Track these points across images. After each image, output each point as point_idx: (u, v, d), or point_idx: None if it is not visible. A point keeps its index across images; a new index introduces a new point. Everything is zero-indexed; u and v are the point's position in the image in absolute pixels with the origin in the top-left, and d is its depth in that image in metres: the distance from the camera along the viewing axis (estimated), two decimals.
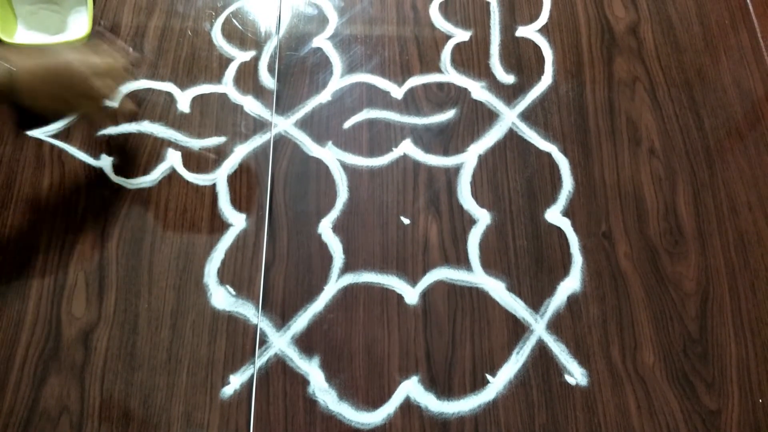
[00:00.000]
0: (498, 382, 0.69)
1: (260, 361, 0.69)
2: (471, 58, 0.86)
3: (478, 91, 0.84)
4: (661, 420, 0.67)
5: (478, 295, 0.73)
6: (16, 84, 0.62)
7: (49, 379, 0.68)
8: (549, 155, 0.80)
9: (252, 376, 0.69)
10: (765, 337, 0.71)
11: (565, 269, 0.74)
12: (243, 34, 0.87)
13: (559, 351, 0.70)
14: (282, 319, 0.71)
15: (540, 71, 0.85)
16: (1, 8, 0.81)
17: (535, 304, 0.72)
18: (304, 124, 0.81)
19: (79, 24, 0.84)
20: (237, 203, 0.77)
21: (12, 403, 0.67)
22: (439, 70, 0.85)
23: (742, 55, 0.86)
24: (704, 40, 0.87)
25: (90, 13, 0.82)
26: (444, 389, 0.68)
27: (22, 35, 0.83)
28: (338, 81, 0.84)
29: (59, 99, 0.66)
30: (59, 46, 0.77)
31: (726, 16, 0.89)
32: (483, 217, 0.76)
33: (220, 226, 0.76)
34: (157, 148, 0.79)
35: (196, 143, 0.80)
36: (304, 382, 0.69)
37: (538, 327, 0.71)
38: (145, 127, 0.81)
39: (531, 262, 0.74)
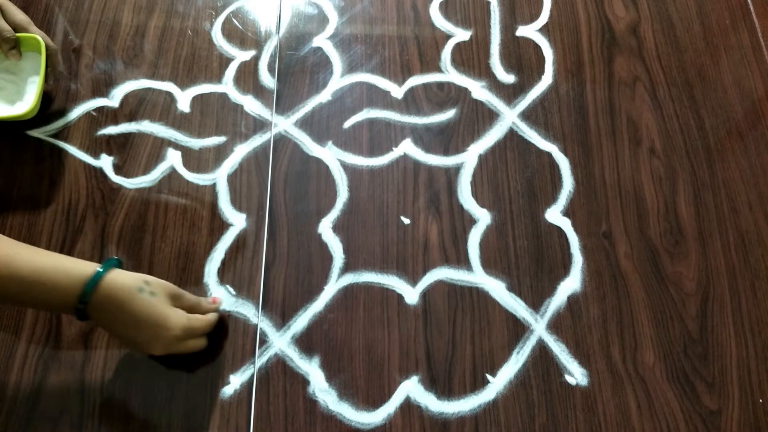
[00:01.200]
0: (498, 382, 0.69)
1: (260, 361, 0.69)
2: (471, 58, 0.86)
3: (478, 90, 0.84)
4: (661, 420, 0.67)
5: (478, 295, 0.73)
6: None
7: (49, 378, 0.68)
8: (549, 155, 0.80)
9: (252, 376, 0.69)
10: (765, 337, 0.71)
11: (565, 269, 0.74)
12: (243, 34, 0.87)
13: (560, 351, 0.70)
14: (282, 319, 0.71)
15: (540, 71, 0.85)
16: None
17: (536, 304, 0.72)
18: (304, 124, 0.81)
19: (33, 98, 0.77)
20: (237, 203, 0.77)
21: (12, 402, 0.67)
22: (439, 70, 0.85)
23: (742, 54, 0.86)
24: (705, 39, 0.87)
25: (39, 88, 0.75)
26: (444, 389, 0.68)
27: None
28: (338, 81, 0.84)
29: (132, 333, 0.62)
30: None
31: (726, 16, 0.89)
32: (483, 217, 0.76)
33: (220, 225, 0.75)
34: (157, 148, 0.79)
35: (196, 143, 0.80)
36: (304, 382, 0.69)
37: (539, 327, 0.71)
38: (145, 126, 0.81)
39: (531, 262, 0.74)
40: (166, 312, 0.62)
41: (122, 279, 0.61)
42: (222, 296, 0.72)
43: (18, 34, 0.75)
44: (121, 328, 0.61)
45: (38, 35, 0.76)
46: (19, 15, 0.76)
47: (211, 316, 0.68)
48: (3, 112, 0.77)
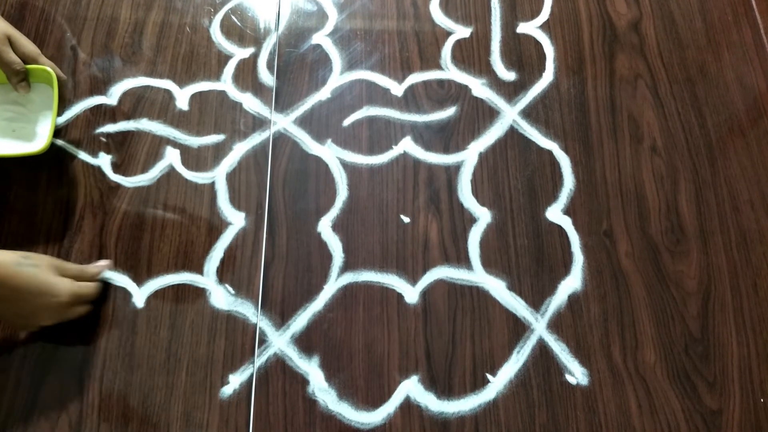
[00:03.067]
0: (498, 382, 0.69)
1: (260, 360, 0.69)
2: (472, 55, 0.85)
3: (478, 88, 0.83)
4: (662, 419, 0.67)
5: (478, 294, 0.72)
6: None
7: (48, 379, 0.68)
8: (550, 153, 0.79)
9: (251, 375, 0.68)
10: (767, 337, 0.70)
11: (566, 268, 0.74)
12: (242, 31, 0.86)
13: (560, 350, 0.70)
14: (281, 319, 0.71)
15: (541, 68, 0.85)
16: None
17: (536, 303, 0.72)
18: (303, 122, 0.81)
19: (45, 131, 0.76)
20: (236, 202, 0.76)
21: (11, 402, 0.67)
22: (439, 67, 0.85)
23: (744, 51, 0.86)
24: (706, 36, 0.87)
25: (53, 123, 0.73)
26: (444, 389, 0.68)
27: None
28: (338, 78, 0.84)
29: (20, 309, 0.63)
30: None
31: (728, 12, 0.88)
32: (483, 216, 0.76)
33: (219, 224, 0.75)
34: (155, 146, 0.79)
35: (194, 141, 0.79)
36: (303, 381, 0.68)
37: (539, 326, 0.71)
38: (144, 125, 0.80)
39: (532, 261, 0.74)
40: (50, 280, 0.64)
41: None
42: (221, 295, 0.72)
43: (27, 66, 0.74)
44: (5, 305, 0.62)
45: (48, 67, 0.74)
46: (29, 46, 0.74)
47: (97, 284, 0.70)
48: (16, 148, 0.75)
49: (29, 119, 0.77)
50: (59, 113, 0.78)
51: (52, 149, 0.78)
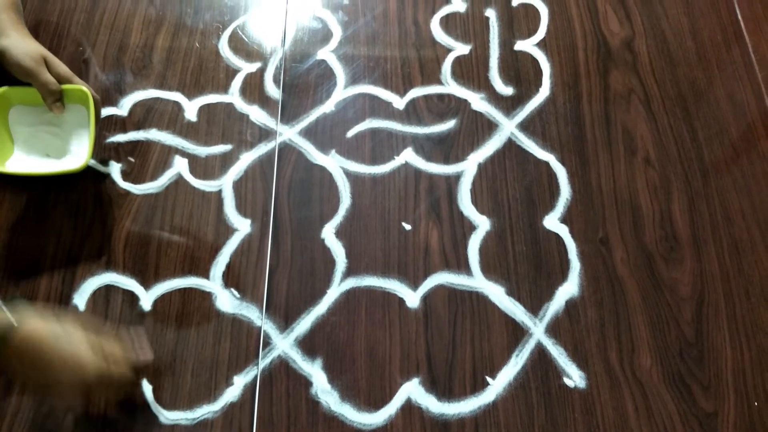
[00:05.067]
0: (498, 384, 0.70)
1: (264, 362, 0.70)
2: (471, 71, 0.88)
3: (477, 102, 0.86)
4: (658, 422, 0.68)
5: (478, 299, 0.74)
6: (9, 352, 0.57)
7: None
8: (547, 164, 0.82)
9: (255, 377, 0.70)
10: (760, 341, 0.72)
11: (563, 274, 0.75)
12: (249, 47, 0.90)
13: (558, 354, 0.71)
14: (285, 322, 0.73)
15: (538, 83, 0.88)
16: None
17: (534, 308, 0.74)
18: (308, 133, 0.83)
19: (80, 149, 0.77)
20: (242, 209, 0.78)
21: (18, 402, 0.68)
22: (439, 82, 0.88)
23: (734, 69, 0.89)
24: (697, 54, 0.90)
25: (91, 141, 0.74)
26: (444, 391, 0.70)
27: (18, 160, 0.76)
28: (342, 92, 0.87)
29: (46, 380, 0.60)
30: (73, 329, 0.62)
31: (718, 32, 0.92)
32: (483, 224, 0.78)
33: (225, 230, 0.77)
34: (164, 156, 0.81)
35: (202, 151, 0.82)
36: (306, 383, 0.70)
37: (537, 330, 0.73)
38: (153, 135, 0.83)
39: (530, 268, 0.76)
40: (80, 354, 0.59)
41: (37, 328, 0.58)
42: (227, 299, 0.73)
43: (63, 86, 0.75)
44: (32, 374, 0.59)
45: (83, 86, 0.75)
46: (62, 67, 0.75)
47: (129, 370, 0.64)
48: (56, 166, 0.76)
49: (64, 139, 0.78)
50: (95, 130, 0.77)
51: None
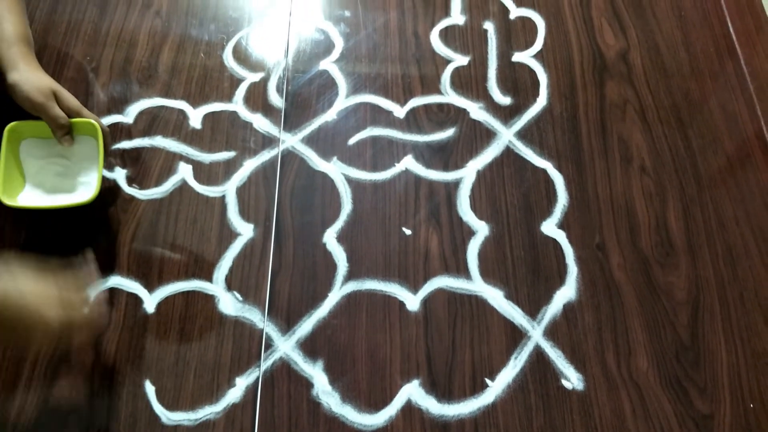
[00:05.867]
0: (497, 386, 0.71)
1: (266, 364, 0.71)
2: (469, 81, 0.90)
3: (476, 111, 0.88)
4: (655, 423, 0.69)
5: (477, 302, 0.75)
6: None
7: (59, 380, 0.70)
8: (544, 171, 0.84)
9: (257, 378, 0.71)
10: (754, 345, 0.73)
11: (560, 279, 0.77)
12: (253, 58, 0.91)
13: (556, 357, 0.72)
14: (287, 324, 0.74)
15: (535, 93, 0.90)
16: (8, 165, 0.75)
17: (533, 311, 0.75)
18: (310, 141, 0.85)
19: (89, 180, 0.78)
20: (245, 214, 0.80)
21: (22, 402, 0.68)
22: (439, 92, 0.89)
23: (726, 80, 0.91)
24: (690, 66, 0.92)
25: (99, 174, 0.75)
26: (444, 392, 0.70)
27: (29, 194, 0.77)
28: (343, 101, 0.88)
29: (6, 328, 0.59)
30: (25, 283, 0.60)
31: (711, 44, 0.94)
32: (482, 229, 0.80)
33: (228, 235, 0.78)
34: (169, 162, 0.83)
35: (206, 157, 0.83)
36: (308, 384, 0.71)
37: (536, 333, 0.74)
38: (158, 141, 0.84)
39: (528, 272, 0.77)
40: (38, 311, 0.58)
41: None
42: (229, 302, 0.74)
43: (72, 120, 0.76)
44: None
45: (92, 119, 0.76)
46: (72, 100, 0.76)
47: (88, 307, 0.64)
48: (66, 199, 0.76)
49: (73, 170, 0.79)
50: (104, 163, 0.78)
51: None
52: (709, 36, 0.95)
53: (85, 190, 0.77)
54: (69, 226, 0.78)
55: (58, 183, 0.78)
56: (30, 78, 0.74)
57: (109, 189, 0.81)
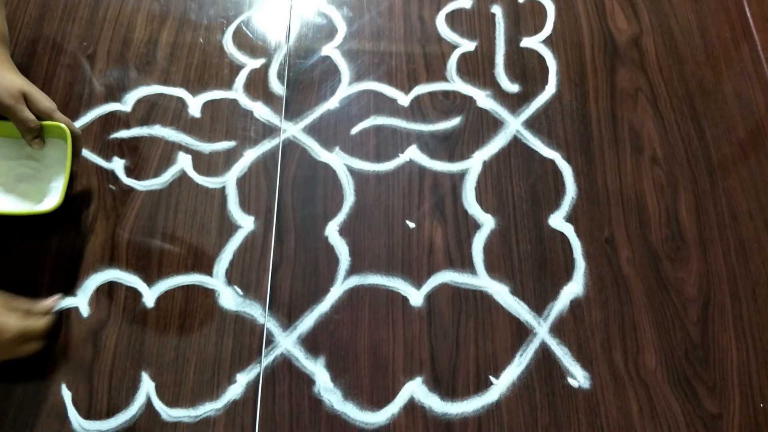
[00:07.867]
0: (501, 384, 0.70)
1: (266, 360, 0.70)
2: (476, 68, 0.88)
3: (483, 99, 0.85)
4: (663, 423, 0.68)
5: (482, 298, 0.74)
6: None
7: (59, 376, 0.69)
8: (552, 162, 0.81)
9: (258, 375, 0.70)
10: (766, 343, 0.72)
11: (568, 274, 0.75)
12: (253, 43, 0.89)
13: (562, 354, 0.71)
14: (288, 320, 0.72)
15: (544, 81, 0.87)
16: None
17: (539, 307, 0.73)
18: (312, 130, 0.83)
19: (58, 185, 0.74)
20: (246, 206, 0.78)
21: (21, 399, 0.68)
22: (445, 79, 0.87)
23: (742, 67, 0.88)
24: (705, 52, 0.89)
25: (65, 181, 0.72)
26: (448, 390, 0.69)
27: None
28: (346, 88, 0.86)
29: None
30: None
31: (726, 29, 0.91)
32: (487, 222, 0.78)
33: (228, 227, 0.77)
34: (168, 152, 0.81)
35: (206, 147, 0.82)
36: (309, 381, 0.70)
37: (542, 330, 0.72)
38: (157, 131, 0.82)
39: (534, 267, 0.75)
40: None
41: None
42: (230, 296, 0.73)
43: (42, 123, 0.72)
44: None
45: (63, 123, 0.73)
46: (44, 102, 0.72)
47: (48, 318, 0.69)
48: (25, 207, 0.74)
49: (43, 174, 0.76)
50: (73, 167, 0.75)
51: None
52: (725, 20, 0.91)
53: (50, 196, 0.74)
54: (69, 220, 0.76)
55: (27, 186, 0.75)
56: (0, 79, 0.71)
57: (107, 180, 0.79)
